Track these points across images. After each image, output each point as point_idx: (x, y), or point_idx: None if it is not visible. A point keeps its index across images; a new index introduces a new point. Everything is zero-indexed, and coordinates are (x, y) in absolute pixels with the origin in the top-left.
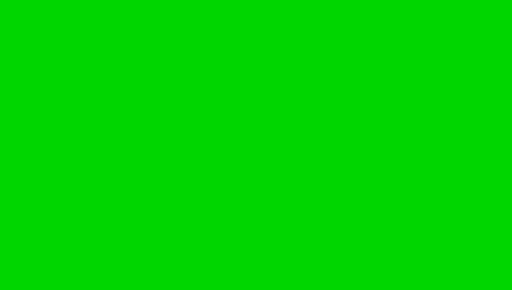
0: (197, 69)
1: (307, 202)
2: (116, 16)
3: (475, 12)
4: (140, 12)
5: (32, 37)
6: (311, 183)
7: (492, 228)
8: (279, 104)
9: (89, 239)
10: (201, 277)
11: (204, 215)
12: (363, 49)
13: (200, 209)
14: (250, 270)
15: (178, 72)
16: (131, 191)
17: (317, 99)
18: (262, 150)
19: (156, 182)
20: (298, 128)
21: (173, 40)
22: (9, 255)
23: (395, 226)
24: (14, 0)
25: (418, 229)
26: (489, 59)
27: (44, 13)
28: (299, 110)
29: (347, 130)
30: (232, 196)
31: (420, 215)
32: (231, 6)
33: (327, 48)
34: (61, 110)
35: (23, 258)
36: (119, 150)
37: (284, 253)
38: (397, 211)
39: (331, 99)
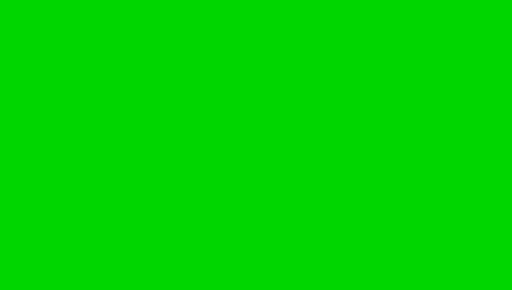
0: (197, 69)
1: (306, 202)
2: (116, 16)
3: (475, 12)
4: (141, 12)
5: (32, 37)
6: (311, 183)
7: (492, 228)
8: (279, 104)
9: (89, 239)
10: (201, 277)
11: (204, 215)
12: (363, 50)
13: (199, 209)
14: (250, 270)
15: (178, 72)
16: (131, 191)
17: (317, 99)
18: (262, 150)
19: (155, 181)
20: (298, 128)
21: (173, 40)
22: (9, 255)
23: (395, 226)
24: (14, 0)
25: (418, 229)
26: (489, 59)
27: (45, 13)
28: (299, 110)
29: (347, 130)
30: (231, 196)
31: (420, 215)
32: (231, 7)
33: (327, 48)
34: (61, 110)
35: (23, 258)
36: (119, 149)
37: (283, 253)
38: (397, 211)
39: (331, 100)
